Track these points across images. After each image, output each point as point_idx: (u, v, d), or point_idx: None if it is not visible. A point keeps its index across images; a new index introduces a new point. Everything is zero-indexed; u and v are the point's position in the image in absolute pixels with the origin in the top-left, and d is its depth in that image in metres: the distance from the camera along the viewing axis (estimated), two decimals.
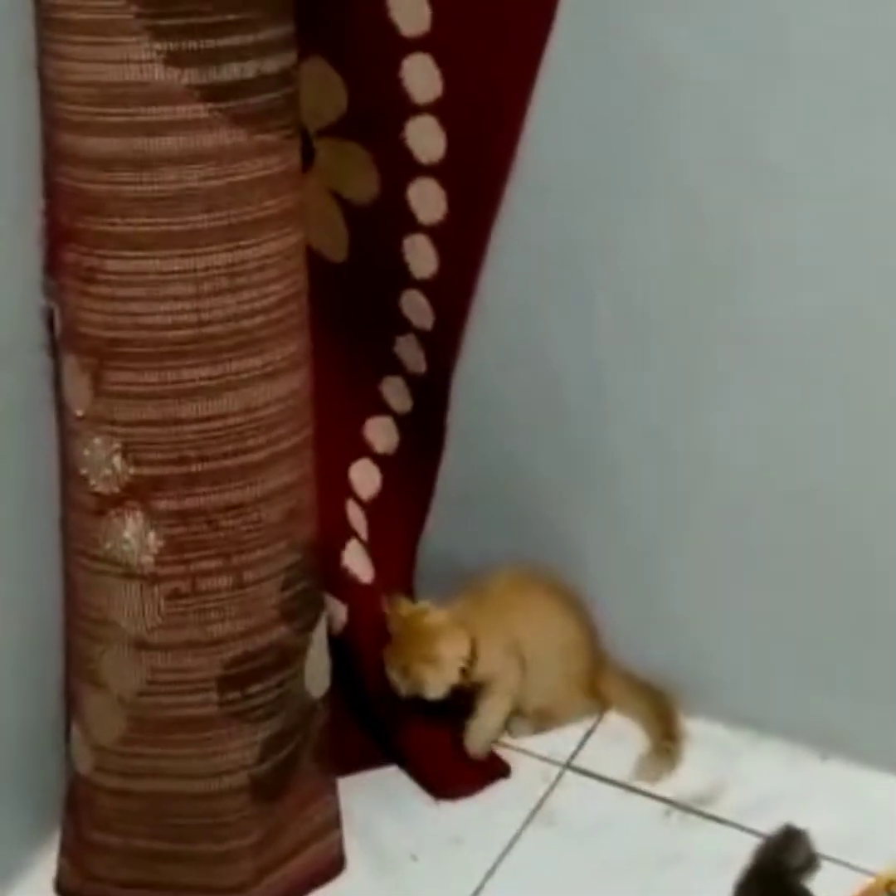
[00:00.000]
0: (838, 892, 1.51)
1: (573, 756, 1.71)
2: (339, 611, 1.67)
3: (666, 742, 1.68)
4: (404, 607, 1.63)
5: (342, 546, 1.69)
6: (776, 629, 1.66)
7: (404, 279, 1.63)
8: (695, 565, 1.69)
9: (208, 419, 1.31)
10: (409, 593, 1.80)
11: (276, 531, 1.39)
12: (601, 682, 1.73)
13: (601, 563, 1.74)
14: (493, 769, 1.67)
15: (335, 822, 1.58)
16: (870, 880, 1.52)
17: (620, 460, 1.68)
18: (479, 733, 1.67)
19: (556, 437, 1.70)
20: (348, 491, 1.75)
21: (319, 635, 1.49)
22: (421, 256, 1.60)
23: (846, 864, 1.54)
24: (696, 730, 1.71)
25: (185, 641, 1.38)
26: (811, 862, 1.46)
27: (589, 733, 1.74)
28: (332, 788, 1.59)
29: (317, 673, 1.50)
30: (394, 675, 1.60)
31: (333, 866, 1.55)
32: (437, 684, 1.59)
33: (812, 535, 1.59)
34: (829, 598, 1.61)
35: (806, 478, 1.56)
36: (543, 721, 1.71)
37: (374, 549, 1.75)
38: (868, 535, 1.56)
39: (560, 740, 1.73)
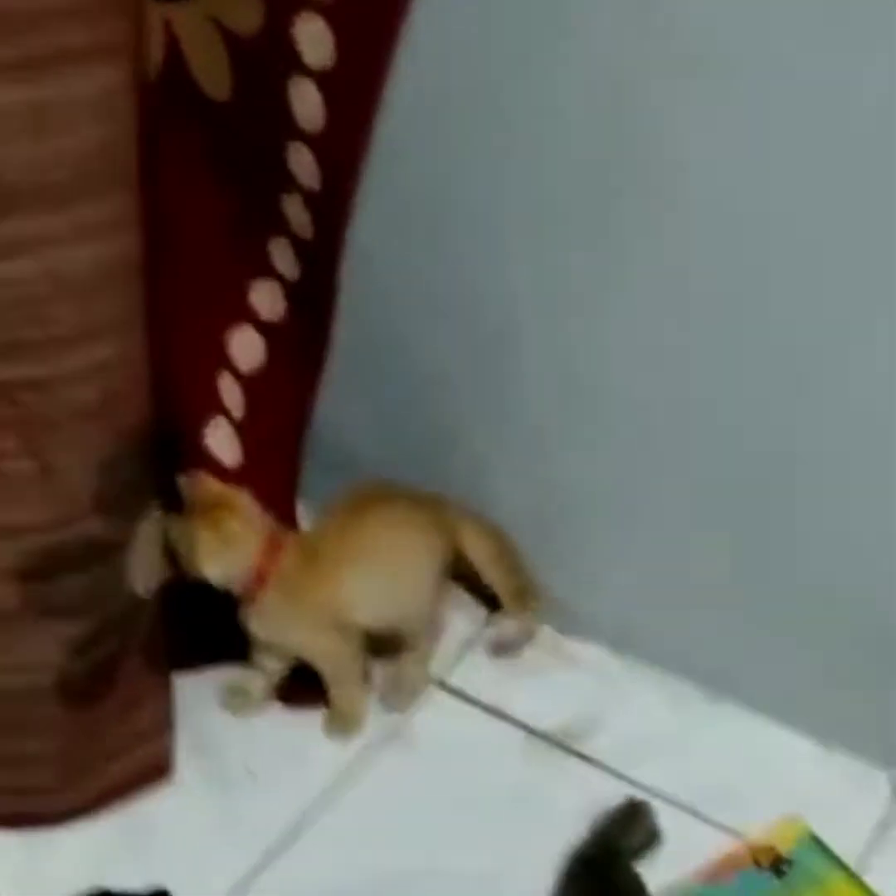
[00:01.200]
0: (704, 850, 1.39)
1: (447, 672, 1.56)
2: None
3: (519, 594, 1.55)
4: (213, 483, 1.43)
5: (205, 423, 1.52)
6: (677, 560, 1.48)
7: (290, 128, 1.42)
8: (600, 485, 1.50)
9: (4, 284, 1.13)
10: (295, 476, 1.65)
11: (90, 414, 1.21)
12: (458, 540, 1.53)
13: (492, 455, 1.56)
14: None
15: (164, 726, 1.45)
16: (737, 844, 1.40)
17: (521, 354, 1.49)
18: (336, 723, 1.49)
19: (455, 326, 1.50)
20: (224, 362, 1.56)
21: (148, 529, 1.34)
22: (307, 104, 1.39)
23: (716, 823, 1.41)
24: (579, 654, 1.57)
25: None
26: (651, 840, 1.32)
27: (468, 645, 1.59)
28: (164, 690, 1.45)
29: (144, 568, 1.35)
30: (172, 534, 1.38)
31: (158, 773, 1.43)
32: (211, 561, 1.37)
33: (724, 467, 1.41)
34: (735, 536, 1.44)
35: (715, 407, 1.37)
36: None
37: (253, 427, 1.58)
38: (784, 472, 1.38)
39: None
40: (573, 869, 1.26)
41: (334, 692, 1.47)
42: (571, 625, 1.58)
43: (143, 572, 1.35)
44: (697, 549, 1.46)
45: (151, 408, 1.29)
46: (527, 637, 1.56)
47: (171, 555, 1.39)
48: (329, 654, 1.46)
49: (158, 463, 1.36)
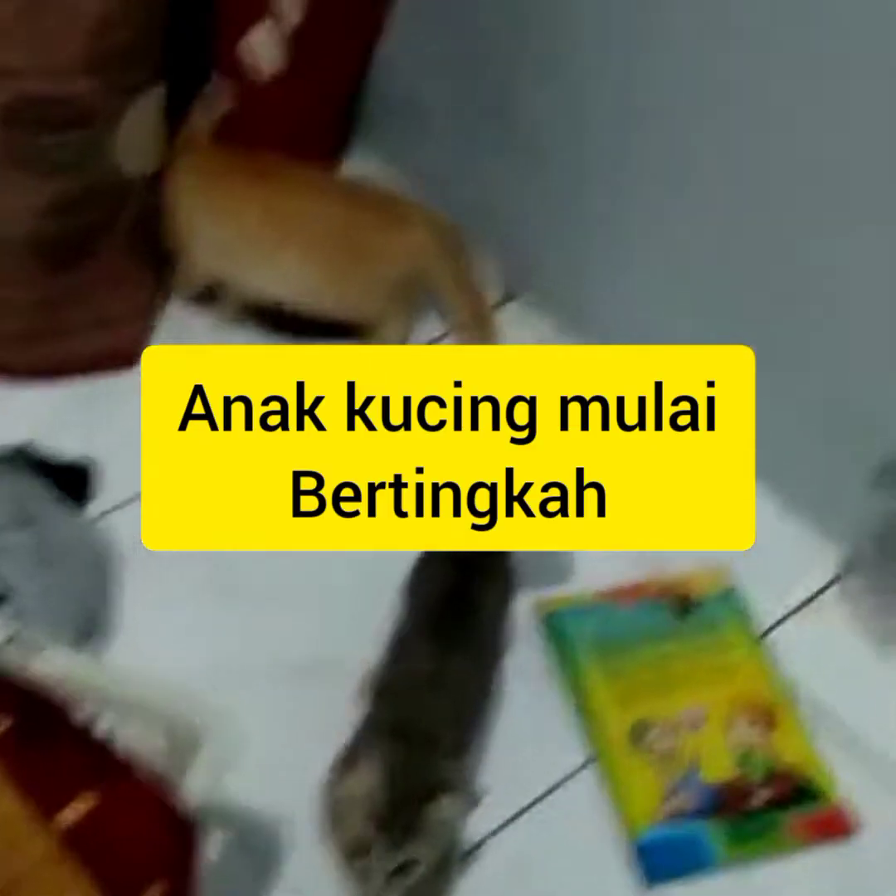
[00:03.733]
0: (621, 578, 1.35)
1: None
2: (224, 96, 1.47)
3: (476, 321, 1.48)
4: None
5: (247, 25, 1.46)
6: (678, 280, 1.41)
7: None
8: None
9: None
10: (345, 103, 1.60)
11: None
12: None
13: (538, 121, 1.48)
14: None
15: (141, 314, 1.46)
16: (657, 576, 1.35)
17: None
18: None
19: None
20: None
21: (148, 106, 1.30)
22: None
23: (638, 554, 1.36)
24: None
25: None
26: None
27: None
28: (147, 280, 1.45)
29: (137, 147, 1.32)
30: None
31: (125, 358, 1.43)
32: None
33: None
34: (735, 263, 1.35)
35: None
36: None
37: (309, 36, 1.50)
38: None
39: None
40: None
41: None
42: (575, 325, 1.52)
43: (135, 151, 1.33)
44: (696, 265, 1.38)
45: None
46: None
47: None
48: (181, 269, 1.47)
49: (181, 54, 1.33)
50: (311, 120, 1.55)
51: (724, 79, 1.28)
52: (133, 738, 0.88)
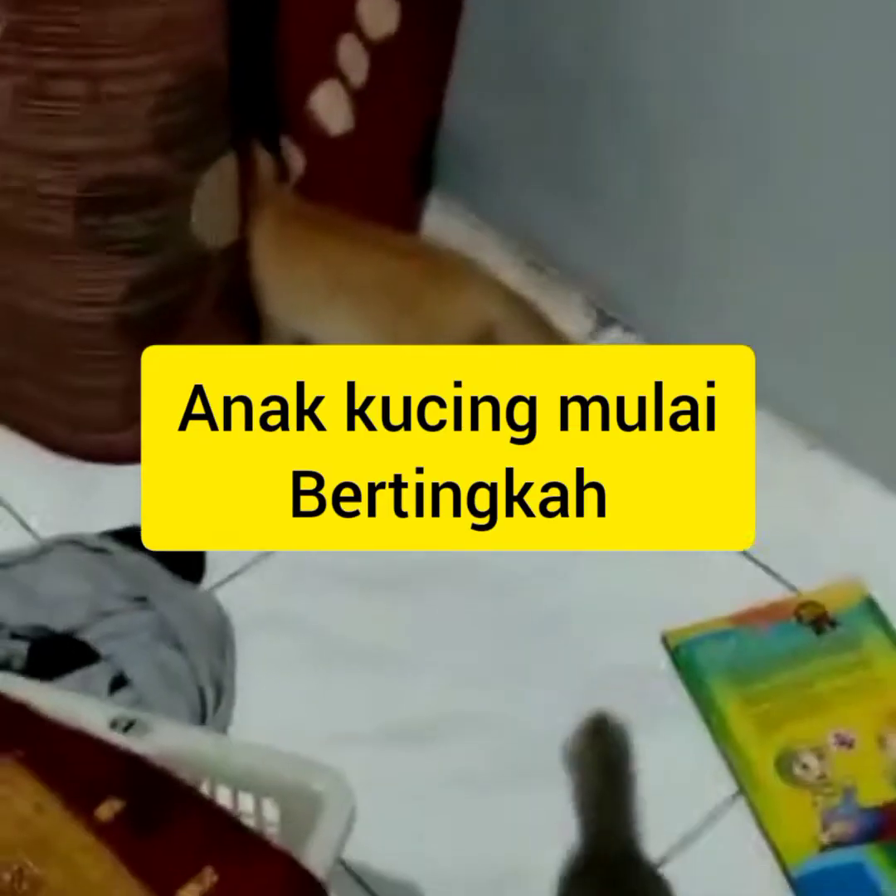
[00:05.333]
0: (754, 598, 1.30)
1: None
2: (296, 159, 1.48)
3: None
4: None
5: (312, 86, 1.46)
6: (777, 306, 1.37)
7: None
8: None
9: None
10: (416, 157, 1.58)
11: (146, 43, 1.17)
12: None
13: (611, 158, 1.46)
14: None
15: None
16: (786, 595, 1.30)
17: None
18: None
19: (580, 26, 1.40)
20: (348, 24, 1.48)
21: (217, 179, 1.30)
22: None
23: (775, 573, 1.32)
24: None
25: (36, 149, 1.22)
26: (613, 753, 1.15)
27: None
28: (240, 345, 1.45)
29: (213, 220, 1.32)
30: None
31: None
32: None
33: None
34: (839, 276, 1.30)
35: None
36: None
37: (376, 95, 1.50)
38: None
39: None
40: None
41: None
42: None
43: (212, 224, 1.33)
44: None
45: (226, 48, 1.25)
46: None
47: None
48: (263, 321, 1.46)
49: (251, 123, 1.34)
50: (385, 175, 1.53)
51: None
52: (247, 810, 0.85)
